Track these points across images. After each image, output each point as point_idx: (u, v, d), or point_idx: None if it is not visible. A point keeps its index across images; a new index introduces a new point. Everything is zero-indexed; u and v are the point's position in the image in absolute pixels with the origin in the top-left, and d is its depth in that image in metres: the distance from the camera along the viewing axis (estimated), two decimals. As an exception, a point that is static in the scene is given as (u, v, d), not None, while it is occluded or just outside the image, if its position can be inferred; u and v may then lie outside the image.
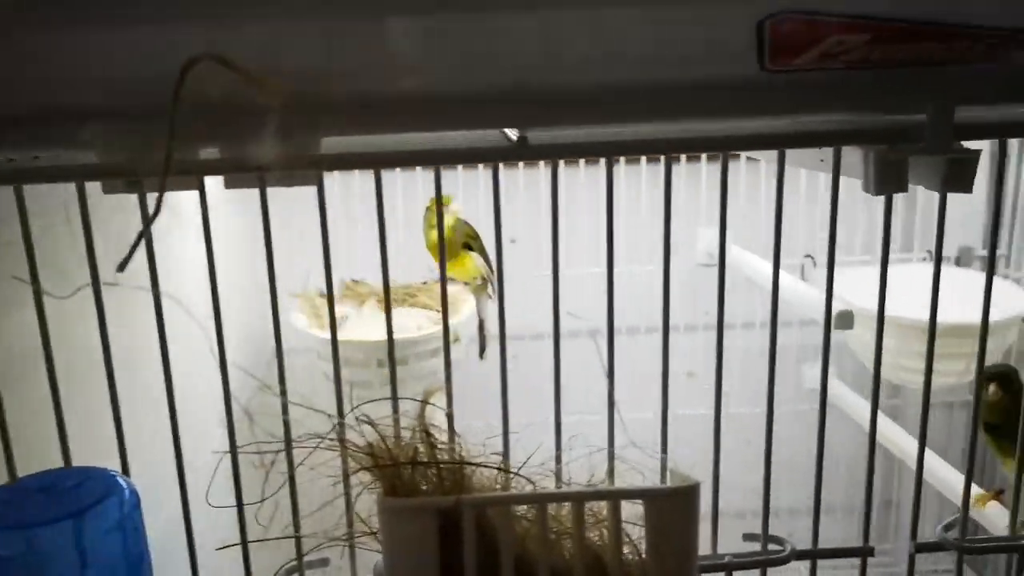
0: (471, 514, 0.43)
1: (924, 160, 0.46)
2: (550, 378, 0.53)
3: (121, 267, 0.35)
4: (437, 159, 0.44)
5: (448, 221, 1.08)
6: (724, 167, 0.48)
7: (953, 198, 1.38)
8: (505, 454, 0.48)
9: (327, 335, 0.51)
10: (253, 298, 0.51)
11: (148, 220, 0.40)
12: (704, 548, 0.52)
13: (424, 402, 0.48)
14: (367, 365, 0.98)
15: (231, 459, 0.47)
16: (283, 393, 0.44)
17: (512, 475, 0.46)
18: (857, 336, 1.13)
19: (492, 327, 1.22)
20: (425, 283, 1.16)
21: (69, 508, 0.41)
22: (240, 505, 0.49)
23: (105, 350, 0.46)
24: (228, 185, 0.45)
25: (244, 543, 0.49)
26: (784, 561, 0.51)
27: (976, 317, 0.89)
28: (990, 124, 0.46)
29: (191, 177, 0.44)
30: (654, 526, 0.44)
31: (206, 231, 0.45)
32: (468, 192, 1.29)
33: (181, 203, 0.47)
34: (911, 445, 1.02)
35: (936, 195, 0.48)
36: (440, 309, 1.08)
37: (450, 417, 0.48)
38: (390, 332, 0.51)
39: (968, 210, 1.24)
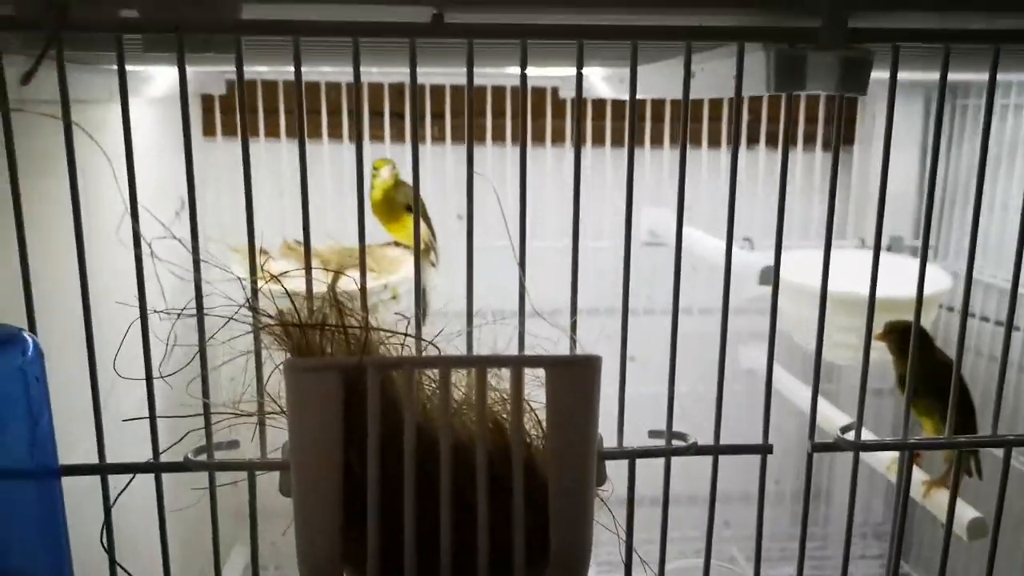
0: (375, 376, 0.44)
1: (822, 62, 0.49)
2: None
3: (25, 79, 0.35)
4: (353, 31, 0.45)
5: (388, 181, 1.09)
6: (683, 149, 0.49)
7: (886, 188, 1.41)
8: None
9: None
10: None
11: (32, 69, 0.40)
12: (611, 443, 0.53)
13: (337, 272, 0.49)
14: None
15: (141, 328, 0.47)
16: (195, 248, 0.45)
17: (418, 341, 0.47)
18: (788, 314, 1.16)
19: (433, 296, 1.23)
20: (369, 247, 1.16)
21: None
22: (149, 377, 0.49)
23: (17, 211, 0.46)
24: (147, 48, 0.46)
25: (152, 417, 0.49)
26: (685, 452, 0.52)
27: (902, 293, 0.93)
28: (886, 29, 0.49)
29: (108, 37, 0.44)
30: (555, 395, 0.45)
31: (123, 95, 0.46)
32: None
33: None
34: (841, 419, 1.04)
35: (868, 188, 0.50)
36: (381, 272, 1.09)
37: (363, 290, 0.49)
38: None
39: (899, 202, 1.29)
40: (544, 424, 0.46)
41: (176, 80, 0.47)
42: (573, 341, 0.50)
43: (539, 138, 1.29)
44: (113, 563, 0.47)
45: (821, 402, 1.11)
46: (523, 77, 0.49)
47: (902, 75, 1.23)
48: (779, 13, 0.48)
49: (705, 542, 0.54)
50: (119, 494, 0.48)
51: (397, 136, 1.30)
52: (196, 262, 0.45)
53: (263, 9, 0.45)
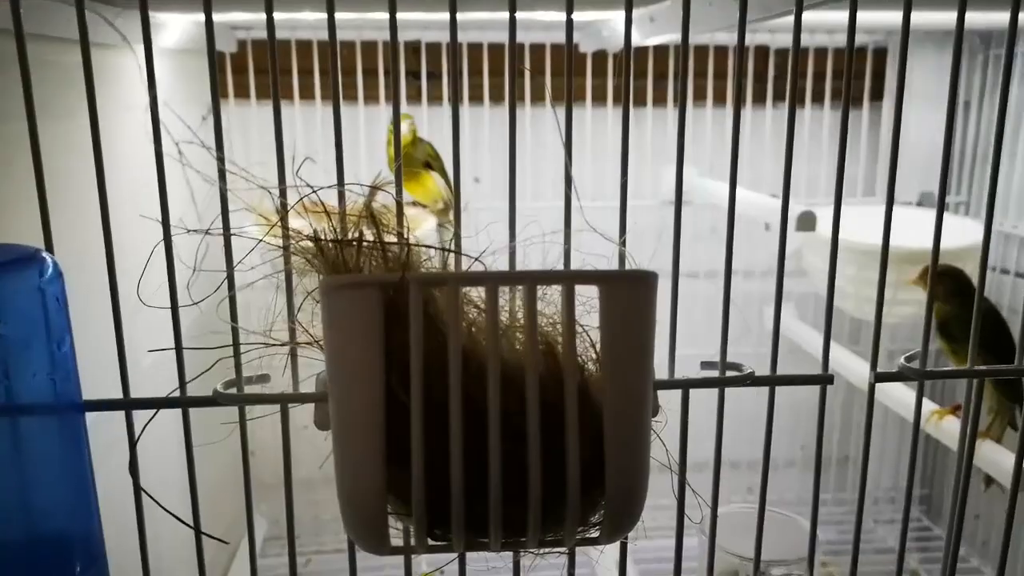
0: (418, 292, 0.41)
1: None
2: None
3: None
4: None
5: (407, 137, 1.06)
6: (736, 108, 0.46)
7: (914, 146, 1.38)
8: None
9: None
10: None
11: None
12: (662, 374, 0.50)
13: (373, 187, 0.46)
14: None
15: (165, 249, 0.44)
16: (219, 150, 0.42)
17: (458, 257, 0.44)
18: (818, 269, 1.13)
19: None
20: (386, 206, 1.13)
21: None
22: (175, 307, 0.46)
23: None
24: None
25: (178, 348, 0.47)
26: (741, 383, 0.49)
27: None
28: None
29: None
30: (609, 313, 0.42)
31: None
32: (434, 134, 1.27)
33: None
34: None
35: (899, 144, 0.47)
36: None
37: (399, 205, 0.46)
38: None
39: (932, 158, 1.25)
40: (597, 347, 0.43)
41: (185, 31, 0.43)
42: (623, 256, 0.47)
43: (558, 96, 1.26)
44: (138, 488, 0.44)
45: (855, 359, 1.09)
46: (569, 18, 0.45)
47: (936, 20, 1.17)
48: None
49: (761, 476, 0.51)
50: (144, 427, 0.46)
51: (414, 96, 1.26)
52: (222, 172, 0.42)
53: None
